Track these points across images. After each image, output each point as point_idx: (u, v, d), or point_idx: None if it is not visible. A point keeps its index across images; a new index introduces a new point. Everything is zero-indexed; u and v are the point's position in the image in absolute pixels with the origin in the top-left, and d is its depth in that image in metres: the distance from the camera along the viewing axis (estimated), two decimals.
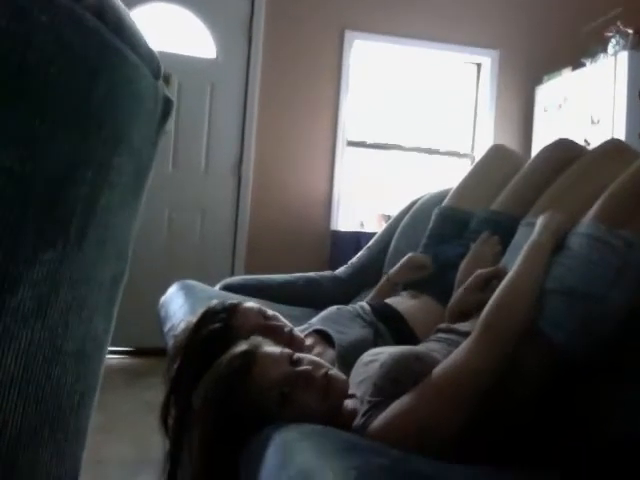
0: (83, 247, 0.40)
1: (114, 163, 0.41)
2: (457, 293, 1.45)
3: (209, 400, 1.12)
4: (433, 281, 1.87)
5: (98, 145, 0.39)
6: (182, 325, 1.61)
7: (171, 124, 3.89)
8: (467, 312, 1.38)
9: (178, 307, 2.02)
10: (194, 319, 1.48)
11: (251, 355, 1.12)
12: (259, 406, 1.07)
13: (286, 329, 1.49)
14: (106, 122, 0.39)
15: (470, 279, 1.43)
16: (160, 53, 0.49)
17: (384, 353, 1.14)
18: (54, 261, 0.37)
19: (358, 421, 1.05)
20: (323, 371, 1.13)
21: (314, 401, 1.09)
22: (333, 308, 1.74)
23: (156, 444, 1.50)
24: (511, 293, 1.13)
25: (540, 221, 1.29)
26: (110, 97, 0.39)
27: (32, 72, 0.32)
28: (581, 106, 3.86)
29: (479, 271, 1.43)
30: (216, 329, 1.40)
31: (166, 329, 1.96)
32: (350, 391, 1.14)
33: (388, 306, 1.77)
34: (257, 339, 1.19)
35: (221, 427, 1.09)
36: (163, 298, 2.30)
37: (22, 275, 0.35)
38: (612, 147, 1.65)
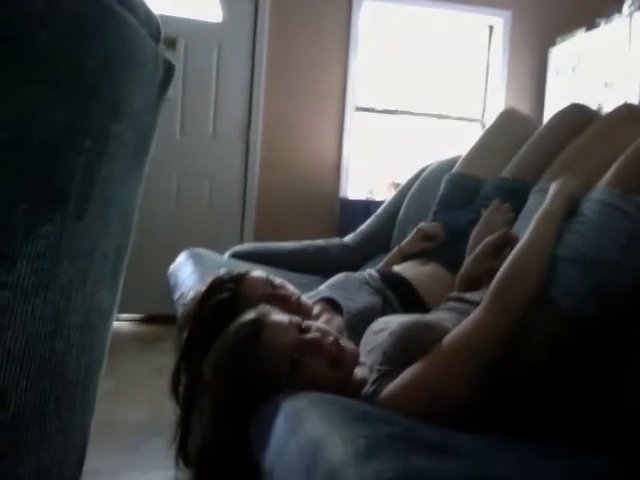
0: (84, 219, 0.39)
1: (113, 131, 0.40)
2: (467, 261, 1.44)
3: (218, 368, 1.12)
4: (442, 249, 1.86)
5: (96, 112, 0.37)
6: (191, 294, 1.61)
7: (178, 90, 3.85)
8: (477, 280, 1.36)
9: (187, 275, 2.02)
10: (202, 288, 1.48)
11: (259, 323, 1.12)
12: (268, 373, 1.07)
13: (294, 297, 1.49)
14: (103, 87, 0.38)
15: (479, 247, 1.41)
16: (166, 17, 0.47)
17: (394, 322, 1.14)
18: (53, 234, 0.36)
19: (367, 389, 1.05)
20: (332, 339, 1.12)
21: (323, 368, 1.09)
22: (341, 275, 1.74)
23: (167, 409, 1.52)
24: (522, 261, 1.11)
25: (553, 187, 1.27)
26: (107, 61, 0.37)
27: (23, 36, 0.31)
28: (595, 68, 3.78)
29: (487, 238, 1.42)
30: (224, 298, 1.40)
31: (176, 297, 1.96)
32: (360, 359, 1.14)
33: (396, 273, 1.76)
34: (265, 307, 1.19)
35: (231, 395, 1.09)
36: (172, 266, 2.31)
37: (20, 249, 0.34)
38: (626, 112, 1.62)
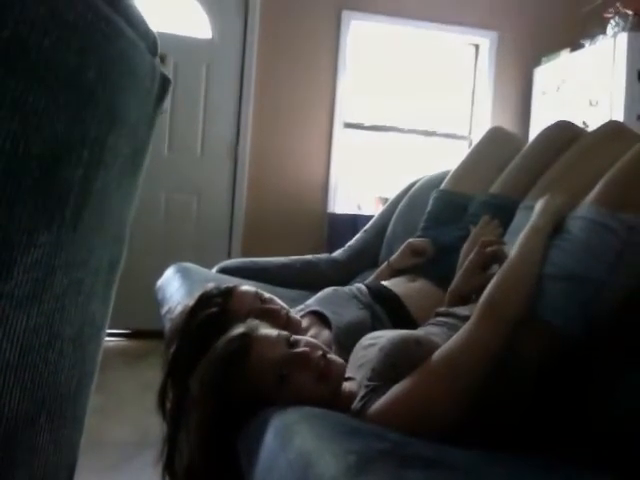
0: (79, 230, 0.39)
1: (110, 142, 0.40)
2: (458, 276, 1.45)
3: (206, 384, 1.11)
4: (431, 265, 1.86)
5: (93, 123, 0.38)
6: (179, 309, 1.60)
7: (167, 106, 3.86)
8: (466, 296, 1.37)
9: (175, 290, 2.01)
10: (191, 303, 1.47)
11: (248, 337, 1.11)
12: (257, 389, 1.07)
13: (283, 312, 1.48)
14: (101, 99, 0.38)
15: (466, 262, 1.42)
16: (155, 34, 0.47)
17: (383, 337, 1.14)
18: (49, 244, 0.36)
19: (356, 404, 1.04)
20: (320, 353, 1.12)
21: (311, 383, 1.08)
22: (329, 289, 1.73)
23: (155, 425, 1.50)
24: (510, 279, 1.12)
25: (539, 205, 1.28)
26: (106, 72, 0.37)
27: (24, 46, 0.31)
28: (579, 88, 3.83)
29: (477, 248, 1.42)
30: (212, 313, 1.39)
31: (163, 312, 1.95)
32: (349, 374, 1.14)
33: (385, 288, 1.76)
34: (254, 322, 1.19)
35: (218, 410, 1.08)
36: (160, 281, 2.29)
37: (17, 259, 0.34)
38: (612, 129, 1.64)
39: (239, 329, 1.14)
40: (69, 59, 0.34)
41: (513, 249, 1.18)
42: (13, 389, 0.36)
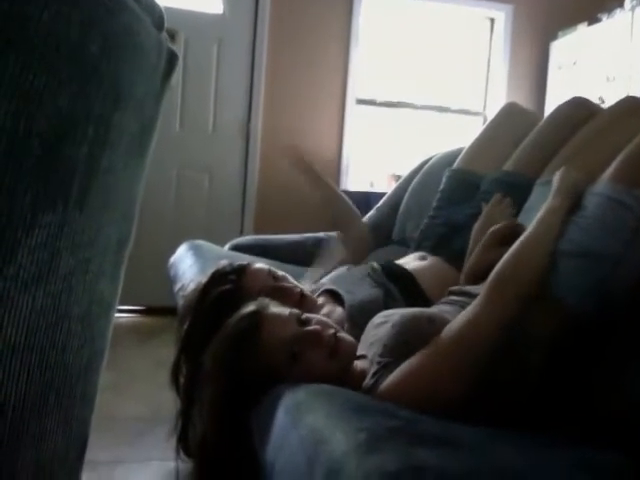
0: (85, 210, 0.38)
1: (115, 119, 0.39)
2: (473, 254, 1.43)
3: (217, 361, 1.12)
4: (443, 242, 1.85)
5: (97, 99, 0.37)
6: (191, 286, 1.60)
7: (178, 83, 3.84)
8: (482, 273, 1.36)
9: (187, 267, 2.02)
10: (204, 280, 1.48)
11: (259, 315, 1.11)
12: (268, 366, 1.07)
13: (296, 290, 1.48)
14: (105, 74, 0.37)
15: (485, 236, 1.40)
16: (165, 9, 0.46)
17: (396, 314, 1.13)
18: (54, 225, 0.35)
19: (368, 381, 1.05)
20: (332, 331, 1.12)
21: (322, 361, 1.09)
22: (343, 268, 1.73)
23: (167, 401, 1.52)
24: (523, 254, 1.11)
25: (555, 180, 1.26)
26: (109, 48, 0.37)
27: (23, 20, 0.30)
28: (596, 63, 3.76)
29: (493, 228, 1.41)
30: (225, 291, 1.40)
31: (176, 289, 1.96)
32: (361, 352, 1.14)
33: (398, 266, 1.75)
34: (265, 300, 1.19)
35: (230, 387, 1.09)
36: (172, 258, 2.30)
37: (20, 240, 0.33)
38: (629, 105, 1.61)
39: (250, 307, 1.15)
40: (70, 33, 0.33)
41: (529, 226, 1.17)
42: (21, 370, 0.36)
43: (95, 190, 0.39)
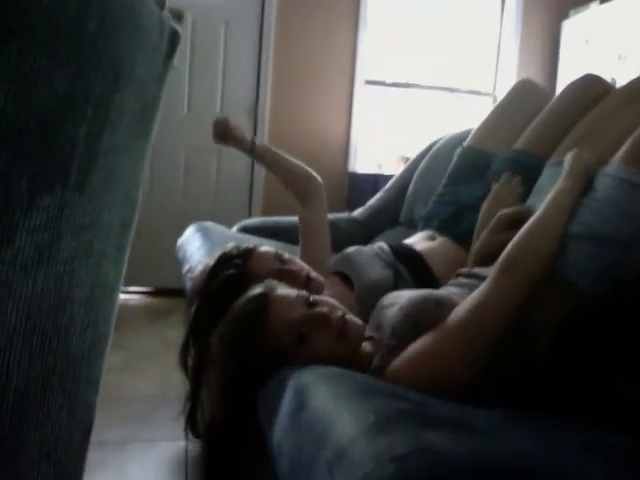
0: (86, 191, 0.38)
1: (115, 100, 0.38)
2: (482, 236, 1.42)
3: (225, 342, 1.12)
4: (451, 222, 1.84)
5: (97, 79, 0.36)
6: (199, 268, 1.61)
7: (185, 65, 3.81)
8: (490, 255, 1.35)
9: (195, 249, 2.02)
10: (211, 263, 1.48)
11: (265, 298, 1.11)
12: (275, 348, 1.07)
13: (303, 272, 1.48)
14: (104, 53, 0.36)
15: (494, 220, 1.39)
16: None
17: (404, 296, 1.13)
18: (54, 207, 0.35)
19: (375, 362, 1.04)
20: (340, 314, 1.12)
21: (330, 343, 1.08)
22: (352, 249, 1.72)
23: (176, 381, 1.53)
24: (533, 236, 1.09)
25: (567, 160, 1.24)
26: (108, 26, 0.36)
27: (24, 4, 0.29)
28: (608, 42, 3.70)
29: (504, 211, 1.39)
30: (232, 274, 1.40)
31: (184, 271, 1.96)
32: (369, 334, 1.14)
33: (407, 247, 1.75)
34: (272, 282, 1.19)
35: (237, 369, 1.09)
36: (180, 240, 2.31)
37: (18, 222, 0.33)
38: None
39: (257, 289, 1.14)
40: (67, 10, 0.32)
41: (541, 205, 1.15)
42: (22, 354, 0.35)
43: (96, 171, 0.39)
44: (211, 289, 1.40)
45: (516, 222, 1.34)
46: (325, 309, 1.11)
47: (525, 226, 1.12)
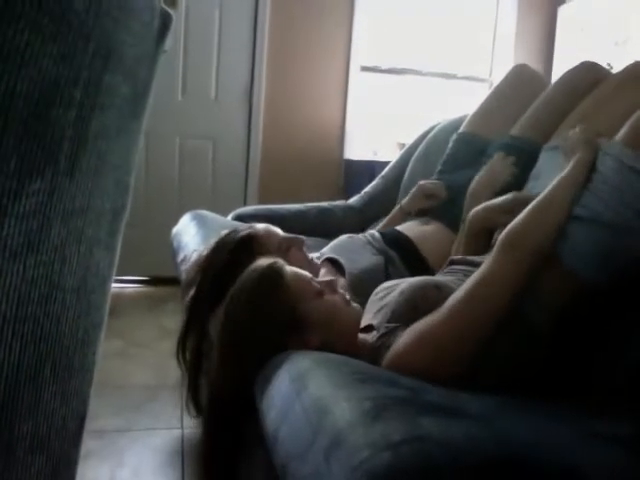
0: (76, 177, 0.37)
1: (105, 82, 0.37)
2: (490, 203, 1.40)
3: (243, 302, 1.13)
4: (445, 208, 1.84)
5: (85, 61, 0.35)
6: (194, 256, 1.60)
7: (179, 50, 3.78)
8: (483, 230, 1.37)
9: (190, 237, 2.01)
10: (205, 252, 1.48)
11: (279, 263, 1.16)
12: (295, 308, 1.11)
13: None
14: (93, 35, 0.35)
15: (507, 198, 1.36)
16: None
17: (402, 283, 1.13)
18: (43, 192, 0.34)
19: (374, 343, 1.05)
20: (341, 291, 1.21)
21: (342, 302, 1.18)
22: (344, 237, 1.73)
23: (173, 369, 1.53)
24: (541, 208, 1.08)
25: (570, 136, 1.22)
26: (96, 6, 0.35)
27: None
28: (605, 27, 3.69)
29: (517, 194, 1.37)
30: (227, 263, 1.40)
31: (179, 259, 1.96)
32: (366, 322, 1.14)
33: (398, 232, 1.75)
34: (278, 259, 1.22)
35: (253, 334, 1.10)
36: (175, 228, 2.30)
37: (7, 208, 0.32)
38: (638, 70, 1.57)
39: (266, 261, 1.17)
40: None
41: (549, 186, 1.13)
42: (12, 342, 0.35)
43: (86, 156, 0.38)
44: (207, 277, 1.40)
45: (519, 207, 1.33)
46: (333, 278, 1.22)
47: (531, 204, 1.10)
